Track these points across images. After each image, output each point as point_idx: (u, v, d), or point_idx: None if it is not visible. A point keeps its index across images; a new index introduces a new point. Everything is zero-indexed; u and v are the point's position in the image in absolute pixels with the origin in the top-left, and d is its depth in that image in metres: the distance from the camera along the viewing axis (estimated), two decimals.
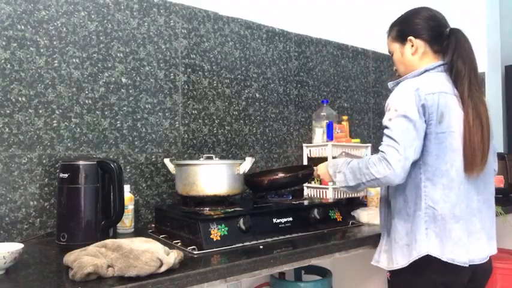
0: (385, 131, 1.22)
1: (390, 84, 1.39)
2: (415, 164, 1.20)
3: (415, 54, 1.34)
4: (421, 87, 1.21)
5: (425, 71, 1.30)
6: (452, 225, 1.19)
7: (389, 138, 1.19)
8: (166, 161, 1.58)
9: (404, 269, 1.23)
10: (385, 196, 1.36)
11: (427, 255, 1.18)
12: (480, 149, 1.20)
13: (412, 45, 1.34)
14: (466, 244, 1.19)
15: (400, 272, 1.25)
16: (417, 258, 1.19)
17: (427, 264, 1.19)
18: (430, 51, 1.33)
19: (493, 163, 1.32)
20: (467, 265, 1.18)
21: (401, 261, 1.24)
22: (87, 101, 1.53)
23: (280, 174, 1.78)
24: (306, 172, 1.67)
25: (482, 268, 1.25)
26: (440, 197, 1.20)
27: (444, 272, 1.19)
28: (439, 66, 1.30)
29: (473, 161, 1.20)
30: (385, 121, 1.23)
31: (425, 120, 1.20)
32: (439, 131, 1.20)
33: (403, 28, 1.37)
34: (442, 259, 1.17)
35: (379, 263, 1.33)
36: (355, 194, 2.03)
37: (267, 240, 1.29)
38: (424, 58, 1.33)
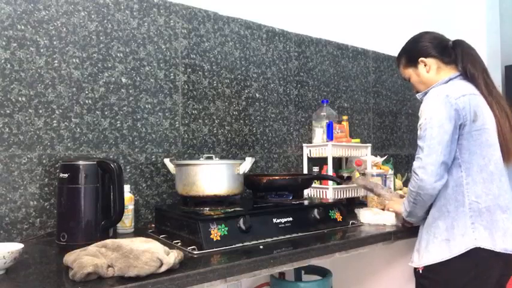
0: (418, 141, 1.33)
1: (419, 95, 1.48)
2: (454, 163, 1.29)
3: (430, 71, 1.45)
4: (450, 93, 1.30)
5: (450, 79, 1.40)
6: (499, 215, 1.26)
7: (418, 148, 1.31)
8: (166, 161, 1.57)
9: (441, 264, 1.26)
10: None
11: (475, 248, 1.23)
12: (511, 139, 1.33)
13: (425, 65, 1.45)
14: None
15: (435, 269, 1.28)
16: (463, 252, 1.24)
17: (471, 257, 1.24)
18: (442, 64, 1.44)
19: None
20: None
21: (438, 256, 1.28)
22: (87, 101, 1.53)
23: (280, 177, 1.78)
24: (306, 177, 1.68)
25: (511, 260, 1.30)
26: (482, 191, 1.27)
27: (491, 262, 1.24)
28: (460, 75, 1.41)
29: (508, 149, 1.32)
30: (418, 129, 1.34)
31: (460, 124, 1.28)
32: (474, 129, 1.29)
33: (411, 54, 1.49)
34: (494, 250, 1.23)
35: (413, 262, 1.38)
36: (355, 194, 2.03)
37: (267, 240, 1.29)
38: (440, 72, 1.44)
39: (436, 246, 1.29)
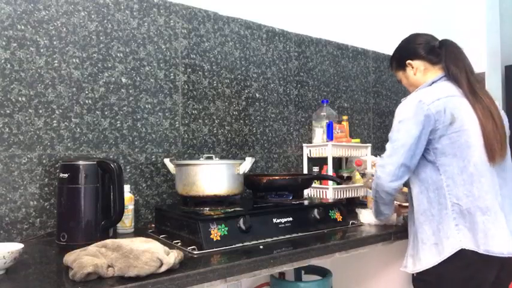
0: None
1: (402, 100, 1.48)
2: (431, 167, 1.30)
3: (417, 73, 1.46)
4: (424, 99, 1.30)
5: (433, 82, 1.41)
6: (479, 217, 1.24)
7: (386, 149, 1.35)
8: (166, 161, 1.58)
9: (435, 268, 1.26)
10: (410, 201, 1.40)
11: (462, 249, 1.22)
12: (495, 138, 1.28)
13: (412, 67, 1.46)
14: (498, 235, 1.23)
15: (429, 272, 1.27)
16: (451, 254, 1.23)
17: (460, 259, 1.23)
18: (429, 66, 1.44)
19: (510, 161, 1.36)
20: (504, 255, 1.21)
21: (430, 260, 1.27)
22: (87, 101, 1.53)
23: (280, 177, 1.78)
24: (306, 177, 1.68)
25: (510, 264, 1.27)
26: (463, 193, 1.26)
27: (476, 266, 1.22)
28: (443, 76, 1.40)
29: (491, 149, 1.27)
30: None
31: (431, 129, 1.28)
32: (451, 132, 1.28)
33: (400, 57, 1.52)
34: (478, 251, 1.21)
35: (406, 268, 1.37)
36: (355, 194, 2.03)
37: (267, 240, 1.29)
38: (427, 73, 1.44)
39: (426, 252, 1.29)
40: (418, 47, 1.45)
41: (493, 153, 1.27)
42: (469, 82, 1.33)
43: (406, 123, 1.29)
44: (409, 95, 1.39)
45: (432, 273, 1.27)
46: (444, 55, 1.40)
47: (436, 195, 1.29)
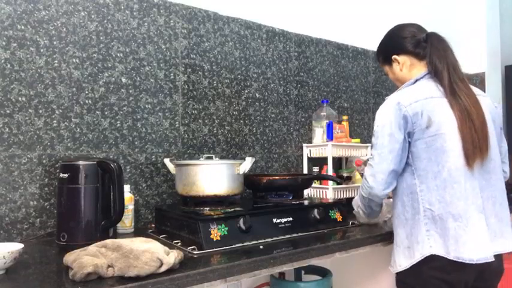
0: (371, 149, 1.36)
1: (386, 98, 1.45)
2: (407, 171, 1.29)
3: (404, 68, 1.42)
4: (402, 101, 1.28)
5: (416, 80, 1.37)
6: (450, 224, 1.21)
7: (371, 156, 1.33)
8: (166, 161, 1.57)
9: (408, 271, 1.26)
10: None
11: (432, 255, 1.21)
12: (472, 142, 1.23)
13: (399, 62, 1.42)
14: (470, 241, 1.20)
15: (404, 274, 1.28)
16: (420, 259, 1.22)
17: (431, 264, 1.21)
18: (415, 61, 1.40)
19: (497, 160, 1.33)
20: (473, 262, 1.18)
21: (403, 263, 1.27)
22: (87, 101, 1.53)
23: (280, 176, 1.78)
24: (306, 177, 1.69)
25: (491, 268, 1.24)
26: (436, 198, 1.23)
27: (449, 270, 1.21)
28: (427, 74, 1.36)
29: (467, 154, 1.23)
30: (372, 136, 1.35)
31: (408, 132, 1.27)
32: (428, 136, 1.25)
33: (385, 51, 1.48)
34: (448, 258, 1.19)
35: (392, 267, 1.36)
36: (355, 194, 2.03)
37: (267, 240, 1.29)
38: (413, 69, 1.40)
39: (400, 254, 1.29)
40: (404, 41, 1.40)
41: (468, 158, 1.22)
42: (450, 81, 1.28)
43: (388, 128, 1.27)
44: (387, 98, 1.35)
45: (406, 276, 1.27)
46: (429, 51, 1.35)
47: (409, 199, 1.28)
